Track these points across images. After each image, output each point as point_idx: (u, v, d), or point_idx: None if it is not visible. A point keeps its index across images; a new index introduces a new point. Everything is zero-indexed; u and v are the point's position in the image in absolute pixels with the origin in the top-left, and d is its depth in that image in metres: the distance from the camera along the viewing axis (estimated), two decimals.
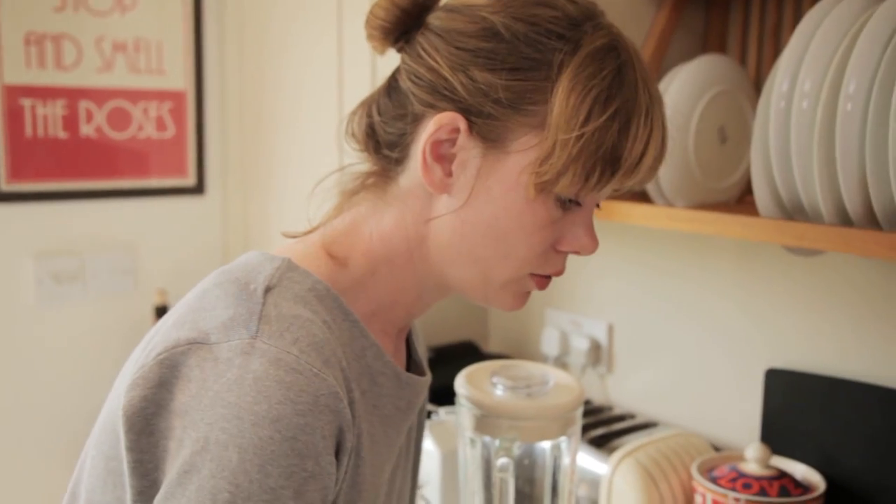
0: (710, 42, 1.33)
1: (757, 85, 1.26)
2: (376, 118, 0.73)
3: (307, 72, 1.71)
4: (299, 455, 0.57)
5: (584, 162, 0.65)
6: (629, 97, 0.66)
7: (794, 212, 1.00)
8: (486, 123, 0.67)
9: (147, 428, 0.60)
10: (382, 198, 0.72)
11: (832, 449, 1.21)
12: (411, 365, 0.83)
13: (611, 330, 1.56)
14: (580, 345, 1.58)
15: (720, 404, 1.40)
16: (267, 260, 0.69)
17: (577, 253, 0.72)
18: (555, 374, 1.04)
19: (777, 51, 1.24)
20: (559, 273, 0.72)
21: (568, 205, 0.69)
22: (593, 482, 1.30)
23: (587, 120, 0.65)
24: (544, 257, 0.71)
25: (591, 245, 0.71)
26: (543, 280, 0.72)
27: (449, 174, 0.69)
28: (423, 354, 0.87)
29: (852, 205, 0.92)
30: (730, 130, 1.18)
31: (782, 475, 1.17)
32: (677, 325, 1.45)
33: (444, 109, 0.68)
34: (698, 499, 1.19)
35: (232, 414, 0.57)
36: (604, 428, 1.42)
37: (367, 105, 0.75)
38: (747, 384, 1.34)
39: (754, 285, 1.33)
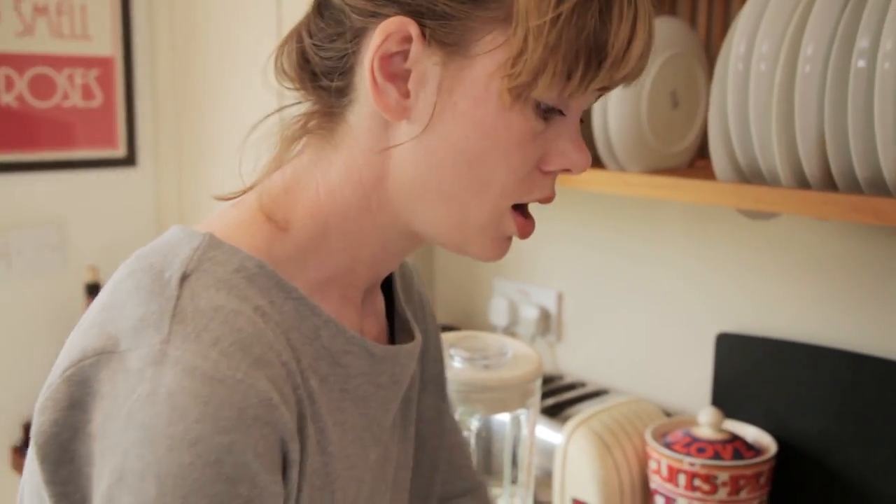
0: (661, 4, 1.31)
1: (707, 48, 1.25)
2: (307, 42, 0.61)
3: (244, 32, 1.64)
4: (228, 480, 0.49)
5: (565, 53, 0.55)
6: None
7: (751, 175, 1.00)
8: (441, 26, 0.56)
9: (65, 455, 0.52)
10: (329, 140, 0.61)
11: (783, 411, 1.22)
12: (397, 326, 0.73)
13: (560, 298, 1.55)
14: (529, 314, 1.57)
15: (671, 370, 1.40)
16: (186, 238, 0.58)
17: (567, 171, 0.61)
18: (512, 345, 1.02)
19: (727, 13, 1.23)
20: (549, 199, 0.62)
21: (549, 114, 0.58)
22: (546, 451, 1.29)
23: None
24: (529, 181, 0.60)
25: (583, 159, 0.60)
26: (525, 223, 0.62)
27: (406, 94, 0.57)
28: (418, 302, 0.77)
29: (810, 167, 0.92)
30: (681, 94, 1.17)
31: (735, 438, 1.18)
32: (627, 292, 1.45)
33: (390, 16, 0.57)
34: (653, 465, 1.19)
35: (146, 438, 0.48)
36: (555, 397, 1.41)
37: (297, 31, 0.63)
38: (698, 349, 1.34)
39: (705, 250, 1.33)
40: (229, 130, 1.73)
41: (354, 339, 0.62)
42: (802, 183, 0.94)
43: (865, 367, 1.13)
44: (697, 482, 1.13)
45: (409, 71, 0.57)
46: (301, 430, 0.56)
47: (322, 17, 0.61)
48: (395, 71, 0.57)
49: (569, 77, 0.56)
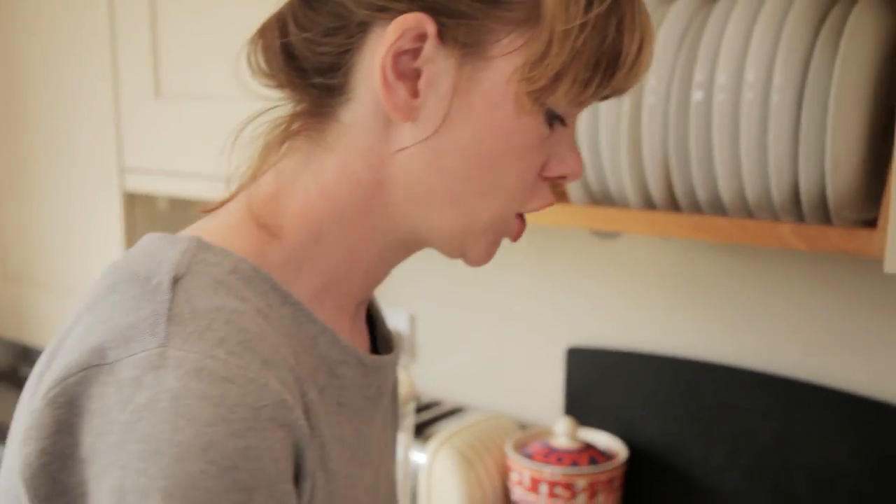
0: None
1: None
2: (297, 37, 0.57)
3: (72, 45, 1.57)
4: (245, 489, 0.45)
5: (587, 60, 0.55)
6: None
7: (601, 197, 1.07)
8: (459, 25, 0.54)
9: (56, 487, 0.47)
10: (319, 143, 0.58)
11: (631, 417, 1.30)
12: (377, 340, 0.70)
13: (412, 320, 1.58)
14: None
15: (525, 384, 1.46)
16: (169, 243, 0.54)
17: (562, 179, 0.61)
18: None
19: None
20: (551, 204, 0.62)
21: (553, 121, 0.58)
22: (409, 472, 1.31)
23: (590, 5, 0.54)
24: (532, 188, 0.60)
25: (580, 166, 0.61)
26: (522, 225, 0.62)
27: (414, 94, 0.55)
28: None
29: (656, 190, 1.00)
30: None
31: (589, 446, 1.25)
32: (479, 311, 1.50)
33: (402, 11, 0.53)
34: (514, 476, 1.24)
35: (148, 449, 0.44)
36: (414, 418, 1.43)
37: (278, 24, 0.58)
38: (550, 363, 1.41)
39: (554, 268, 1.40)
40: (53, 161, 1.65)
41: (349, 350, 0.59)
42: (649, 204, 1.03)
43: (704, 372, 1.24)
44: (558, 490, 1.19)
45: (418, 70, 0.55)
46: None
47: (314, 10, 0.57)
48: (403, 69, 0.55)
49: (586, 84, 0.56)
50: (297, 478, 0.50)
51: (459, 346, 1.54)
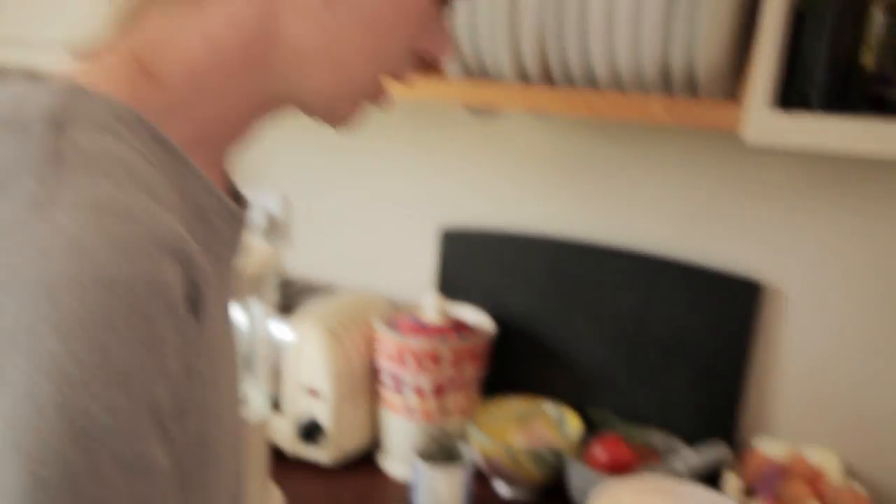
0: None
1: None
2: None
3: None
4: (148, 321, 0.43)
5: None
6: None
7: (477, 71, 1.06)
8: None
9: None
10: None
11: (501, 295, 1.34)
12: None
13: (286, 202, 1.55)
14: (255, 219, 1.56)
15: (397, 266, 1.47)
16: (35, 86, 0.50)
17: (429, 54, 0.63)
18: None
19: None
20: (407, 77, 0.64)
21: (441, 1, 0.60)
22: (277, 348, 1.31)
23: None
24: (404, 58, 0.61)
25: (450, 46, 0.63)
26: (386, 92, 0.64)
27: None
28: None
29: (532, 64, 1.00)
30: None
31: (457, 321, 1.28)
32: (354, 192, 1.49)
33: None
34: (382, 349, 1.26)
35: (41, 293, 0.41)
36: (285, 298, 1.43)
37: None
38: (423, 244, 1.43)
39: (430, 149, 1.40)
40: None
41: (223, 201, 0.58)
42: (524, 78, 1.03)
43: (571, 251, 1.28)
44: (425, 361, 1.22)
45: None
46: None
47: None
48: None
49: None
50: (196, 312, 0.49)
51: (332, 227, 1.53)
